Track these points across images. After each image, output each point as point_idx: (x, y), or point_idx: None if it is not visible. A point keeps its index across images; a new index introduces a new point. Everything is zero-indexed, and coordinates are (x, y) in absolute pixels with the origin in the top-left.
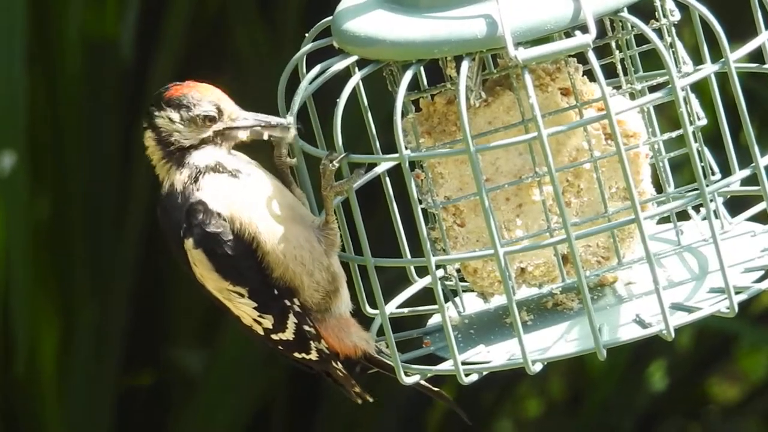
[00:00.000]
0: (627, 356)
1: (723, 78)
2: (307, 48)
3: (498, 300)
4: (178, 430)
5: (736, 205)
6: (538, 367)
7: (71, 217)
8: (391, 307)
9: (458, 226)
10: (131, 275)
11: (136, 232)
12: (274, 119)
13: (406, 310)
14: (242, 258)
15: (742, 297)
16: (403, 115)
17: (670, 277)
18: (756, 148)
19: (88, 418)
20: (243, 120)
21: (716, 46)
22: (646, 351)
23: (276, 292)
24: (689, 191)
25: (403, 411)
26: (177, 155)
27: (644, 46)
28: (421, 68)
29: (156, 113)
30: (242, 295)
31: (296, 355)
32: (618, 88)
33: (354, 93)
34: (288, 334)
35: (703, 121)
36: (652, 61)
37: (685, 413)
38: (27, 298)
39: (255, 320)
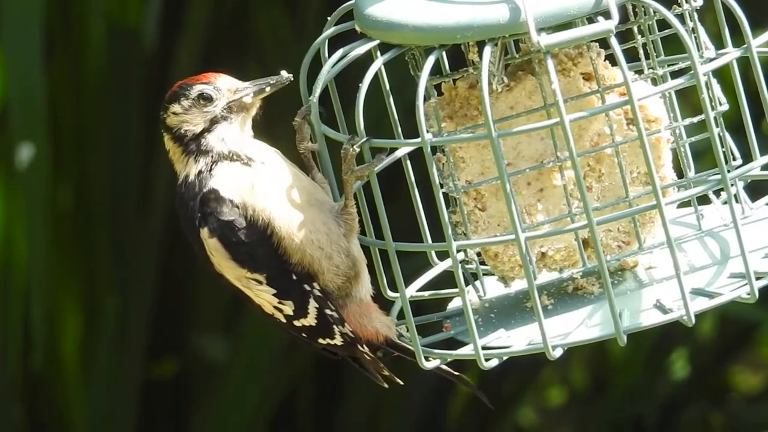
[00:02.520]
0: (649, 344)
1: (746, 64)
2: (328, 32)
3: (518, 284)
4: (201, 418)
5: (756, 189)
6: (558, 353)
7: (94, 206)
8: (412, 291)
9: (479, 210)
10: (154, 264)
11: (159, 220)
12: (271, 78)
13: (426, 293)
14: (257, 245)
15: (763, 282)
16: (425, 99)
17: (691, 261)
18: None
19: (111, 407)
20: (244, 89)
21: (739, 32)
22: (668, 339)
23: (294, 277)
24: (710, 176)
25: (426, 398)
26: (193, 145)
27: (666, 31)
28: (443, 53)
29: (164, 115)
30: (260, 282)
31: (320, 341)
32: (640, 72)
33: (376, 78)
34: (310, 320)
35: (725, 107)
36: (674, 46)
37: (707, 401)
38: (47, 289)
39: (275, 307)
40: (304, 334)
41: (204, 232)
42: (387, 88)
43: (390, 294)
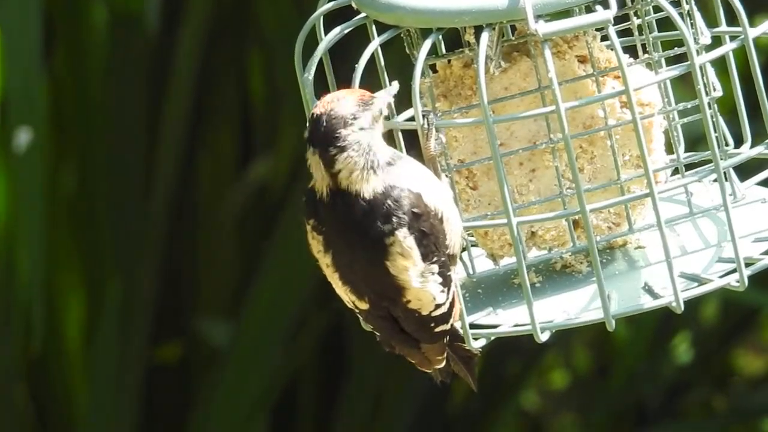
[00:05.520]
0: (652, 327)
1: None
2: (324, 8)
3: (506, 260)
4: (204, 403)
5: (746, 168)
6: (546, 336)
7: (97, 191)
8: None
9: (471, 189)
10: (157, 248)
11: (162, 204)
12: (389, 90)
13: None
14: (439, 235)
15: (752, 269)
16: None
17: (682, 243)
18: None
19: (114, 391)
20: (382, 100)
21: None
22: (672, 322)
23: (449, 262)
24: (702, 161)
25: (430, 382)
26: (371, 159)
27: (661, 13)
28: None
29: (345, 132)
30: (433, 273)
31: (437, 329)
32: (635, 54)
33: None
34: (446, 305)
35: (719, 92)
36: (670, 30)
37: (710, 384)
38: (48, 273)
39: (433, 298)
40: (432, 325)
41: (401, 233)
42: (382, 65)
43: None
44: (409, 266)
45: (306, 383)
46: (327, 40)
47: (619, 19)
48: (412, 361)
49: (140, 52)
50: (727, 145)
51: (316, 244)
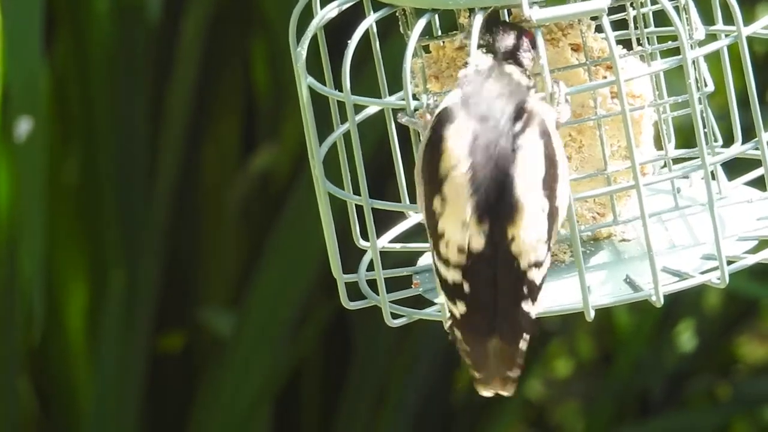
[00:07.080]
0: (656, 315)
1: (750, 41)
2: None
3: None
4: (208, 392)
5: (734, 165)
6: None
7: (100, 180)
8: (383, 242)
9: None
10: (161, 237)
11: (165, 193)
12: None
13: (398, 245)
14: (558, 183)
15: (734, 267)
16: (413, 56)
17: (669, 237)
18: (760, 122)
19: (118, 381)
20: None
21: (743, 5)
22: (675, 310)
23: (553, 229)
24: (690, 157)
25: (433, 372)
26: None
27: (658, 6)
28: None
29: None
30: (544, 211)
31: (524, 305)
32: (629, 46)
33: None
34: (543, 269)
35: (710, 88)
36: (664, 25)
37: (713, 372)
38: (49, 263)
39: (537, 240)
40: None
41: (533, 137)
42: (377, 46)
43: (362, 243)
44: (534, 185)
45: (310, 373)
46: (321, 15)
47: (616, 10)
48: (477, 376)
49: (143, 40)
50: (716, 141)
51: (454, 146)
